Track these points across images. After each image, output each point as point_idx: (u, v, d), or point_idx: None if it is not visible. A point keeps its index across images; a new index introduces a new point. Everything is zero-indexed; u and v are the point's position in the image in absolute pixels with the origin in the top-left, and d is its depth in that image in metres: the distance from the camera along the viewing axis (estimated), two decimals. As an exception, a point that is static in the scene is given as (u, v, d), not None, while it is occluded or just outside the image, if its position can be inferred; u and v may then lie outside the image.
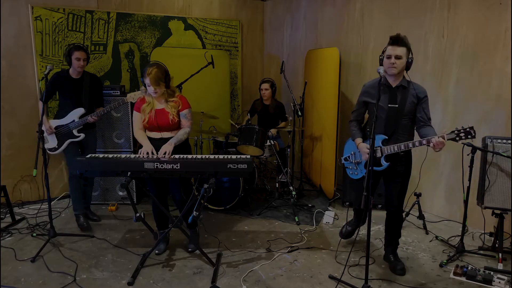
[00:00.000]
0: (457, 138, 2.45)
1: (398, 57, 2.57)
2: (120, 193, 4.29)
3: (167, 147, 2.92)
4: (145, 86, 2.98)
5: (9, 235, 3.50)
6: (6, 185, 3.90)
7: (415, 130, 2.78)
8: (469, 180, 3.06)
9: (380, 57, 2.68)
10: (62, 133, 3.57)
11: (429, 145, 2.50)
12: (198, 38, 5.15)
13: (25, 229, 3.61)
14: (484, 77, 3.50)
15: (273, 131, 4.35)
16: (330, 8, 4.80)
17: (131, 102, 3.62)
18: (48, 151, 3.59)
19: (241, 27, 5.46)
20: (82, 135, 3.60)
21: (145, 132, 3.11)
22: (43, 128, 3.49)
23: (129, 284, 2.74)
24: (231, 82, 5.43)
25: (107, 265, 3.01)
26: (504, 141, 2.96)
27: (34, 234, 3.48)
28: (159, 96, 3.01)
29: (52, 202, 3.98)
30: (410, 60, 2.62)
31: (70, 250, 3.22)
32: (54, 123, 3.58)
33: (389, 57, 2.59)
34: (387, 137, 2.70)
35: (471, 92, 3.60)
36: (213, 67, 4.31)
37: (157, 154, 2.94)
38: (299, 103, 4.23)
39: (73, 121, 3.55)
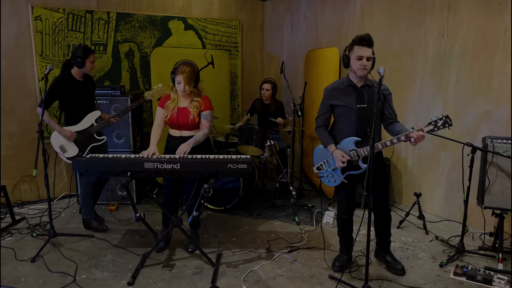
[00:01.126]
0: (435, 129, 2.44)
1: (368, 59, 2.58)
2: (120, 193, 4.29)
3: (186, 147, 2.94)
4: (173, 83, 3.01)
5: (9, 235, 3.50)
6: (6, 185, 3.90)
7: (382, 128, 2.79)
8: (469, 180, 3.05)
9: (345, 54, 2.66)
10: (82, 139, 3.48)
11: (407, 140, 2.50)
12: (198, 38, 5.15)
13: (25, 229, 3.61)
14: (484, 77, 3.50)
15: (280, 120, 4.33)
16: (330, 8, 4.80)
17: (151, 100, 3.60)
18: (69, 161, 3.48)
19: (241, 27, 5.46)
20: (105, 137, 3.57)
21: (169, 129, 3.15)
22: (64, 136, 3.41)
23: (129, 284, 2.74)
24: (231, 82, 5.43)
25: (107, 265, 3.01)
26: (504, 141, 2.95)
27: (34, 234, 3.48)
28: (185, 95, 3.04)
29: (52, 202, 3.98)
30: (374, 61, 2.64)
31: (70, 250, 3.22)
32: (72, 129, 3.45)
33: (360, 58, 2.57)
34: (360, 139, 2.67)
35: (471, 92, 3.60)
36: (213, 67, 4.31)
37: (157, 154, 2.96)
38: (299, 103, 4.23)
39: (92, 125, 3.49)
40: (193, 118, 3.03)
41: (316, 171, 2.92)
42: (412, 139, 2.46)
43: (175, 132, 3.12)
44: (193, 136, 3.07)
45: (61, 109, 3.59)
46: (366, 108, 2.66)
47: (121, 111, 3.61)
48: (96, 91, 4.04)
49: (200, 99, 3.07)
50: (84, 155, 3.44)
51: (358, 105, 2.66)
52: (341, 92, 2.73)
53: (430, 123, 2.45)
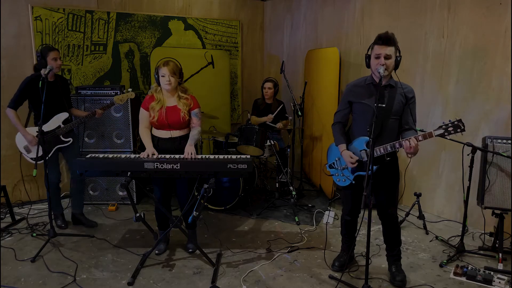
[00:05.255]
0: (446, 133, 2.34)
1: (387, 57, 2.48)
2: (120, 193, 4.29)
3: (190, 148, 2.95)
4: (157, 81, 2.99)
5: (9, 235, 3.50)
6: (6, 185, 3.90)
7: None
8: (469, 180, 3.05)
9: (367, 54, 2.57)
10: (48, 140, 3.38)
11: (402, 147, 2.44)
12: (198, 38, 5.15)
13: (25, 229, 3.61)
14: (484, 77, 3.50)
15: (279, 124, 4.35)
16: (330, 8, 4.80)
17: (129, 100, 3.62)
18: (33, 161, 3.37)
19: (241, 27, 5.46)
20: (71, 139, 3.51)
21: (153, 130, 3.10)
22: (26, 140, 3.37)
23: (129, 284, 2.74)
24: (231, 82, 5.43)
25: (107, 265, 3.01)
26: (504, 141, 2.95)
27: (34, 234, 3.48)
28: (171, 91, 3.01)
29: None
30: (398, 59, 2.52)
31: (70, 250, 3.22)
32: (35, 130, 3.33)
33: (378, 56, 2.49)
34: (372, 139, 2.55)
35: (471, 92, 3.60)
36: (213, 67, 4.31)
37: (158, 154, 2.96)
38: (299, 103, 4.24)
39: (59, 126, 3.43)
40: (184, 116, 3.00)
41: (328, 168, 2.86)
42: (403, 147, 2.41)
43: (164, 134, 3.05)
44: (182, 135, 3.07)
45: (30, 109, 3.51)
46: (385, 109, 2.56)
47: (90, 113, 3.55)
48: (96, 91, 4.06)
49: (188, 97, 3.06)
50: (48, 156, 3.40)
51: (376, 105, 2.50)
52: (362, 89, 2.64)
53: (440, 127, 2.35)
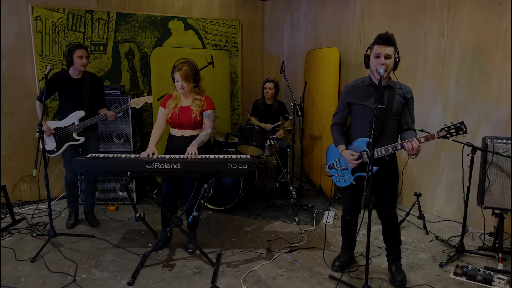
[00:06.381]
0: (448, 135, 2.36)
1: (387, 57, 2.48)
2: (120, 193, 4.29)
3: (192, 149, 2.94)
4: (173, 81, 3.04)
5: (9, 235, 3.50)
6: (6, 185, 3.90)
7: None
8: (469, 180, 3.05)
9: (366, 54, 2.58)
10: (61, 136, 3.51)
11: (403, 149, 2.45)
12: (198, 38, 5.15)
13: (25, 229, 3.61)
14: (484, 77, 3.50)
15: (279, 134, 4.37)
16: (330, 8, 4.80)
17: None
18: (47, 154, 3.50)
19: (241, 27, 5.46)
20: (82, 138, 3.53)
21: (170, 129, 3.16)
22: (43, 128, 3.47)
23: (129, 284, 2.74)
24: (231, 82, 5.43)
25: (107, 265, 3.01)
26: (504, 141, 2.96)
27: (34, 234, 3.48)
28: (186, 93, 3.05)
29: (52, 202, 3.98)
30: (397, 60, 2.53)
31: (70, 250, 3.22)
32: (53, 124, 3.51)
33: (378, 56, 2.49)
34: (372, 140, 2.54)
35: (471, 92, 3.60)
36: (213, 67, 4.31)
37: (157, 154, 2.97)
38: (299, 103, 4.24)
39: (73, 123, 3.49)
40: (195, 117, 3.03)
41: (327, 169, 2.86)
42: (405, 148, 2.41)
43: (176, 132, 3.12)
44: (194, 135, 3.08)
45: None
46: (384, 109, 2.56)
47: (103, 115, 3.54)
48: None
49: (203, 98, 3.08)
50: (58, 152, 3.52)
51: (376, 106, 2.49)
52: (360, 90, 2.64)
53: (442, 129, 2.37)
